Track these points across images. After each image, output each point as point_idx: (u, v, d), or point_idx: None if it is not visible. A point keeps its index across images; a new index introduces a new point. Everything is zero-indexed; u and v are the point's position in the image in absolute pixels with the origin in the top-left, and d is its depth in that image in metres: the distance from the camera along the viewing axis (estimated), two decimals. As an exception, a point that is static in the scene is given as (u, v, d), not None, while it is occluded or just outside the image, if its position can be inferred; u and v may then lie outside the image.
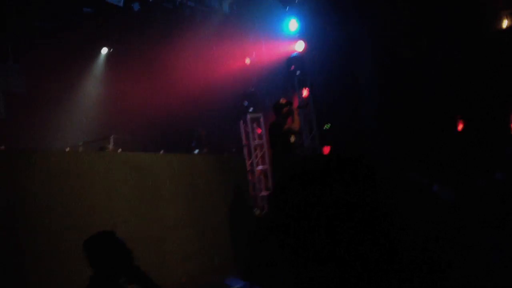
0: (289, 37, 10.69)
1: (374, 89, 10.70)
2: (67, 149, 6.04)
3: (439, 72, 9.76)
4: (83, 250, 3.05)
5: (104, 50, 10.19)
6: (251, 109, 9.39)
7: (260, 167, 8.71)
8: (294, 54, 10.17)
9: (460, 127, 11.90)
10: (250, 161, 8.97)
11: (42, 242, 4.36)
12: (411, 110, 9.68)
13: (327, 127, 11.00)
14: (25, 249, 4.21)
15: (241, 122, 9.22)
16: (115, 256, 3.08)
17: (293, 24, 10.56)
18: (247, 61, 11.17)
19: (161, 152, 6.54)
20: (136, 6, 8.95)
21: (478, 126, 10.62)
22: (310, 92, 10.12)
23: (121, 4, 8.68)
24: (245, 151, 9.07)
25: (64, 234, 4.51)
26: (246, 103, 9.56)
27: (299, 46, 10.48)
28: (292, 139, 6.71)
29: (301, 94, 10.00)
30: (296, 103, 8.32)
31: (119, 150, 6.29)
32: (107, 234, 3.19)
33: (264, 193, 8.90)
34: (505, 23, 11.23)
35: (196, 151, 9.43)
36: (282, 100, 6.63)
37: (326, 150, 10.79)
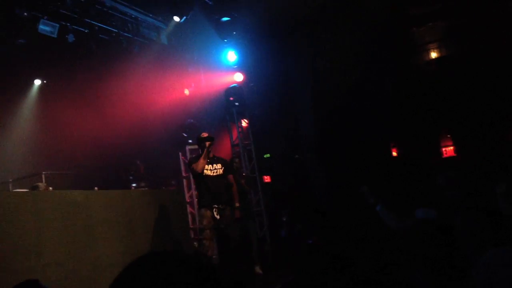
0: (228, 68, 10.80)
1: (312, 119, 11.00)
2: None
3: (374, 102, 10.19)
4: None
5: (37, 83, 9.85)
6: (190, 141, 9.34)
7: (200, 199, 8.66)
8: (233, 85, 10.22)
9: (394, 153, 12.47)
10: (189, 193, 8.91)
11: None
12: (348, 139, 10.00)
13: (267, 157, 11.18)
14: None
15: (180, 154, 9.15)
16: None
17: (231, 56, 10.66)
18: (186, 92, 11.15)
19: (95, 189, 6.37)
20: (70, 38, 8.74)
21: (411, 151, 11.15)
22: (250, 123, 10.17)
23: (54, 35, 8.48)
24: (185, 183, 9.00)
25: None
26: (185, 134, 9.51)
27: (238, 77, 10.60)
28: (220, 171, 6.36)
29: (240, 125, 10.07)
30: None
31: (50, 188, 6.06)
32: (29, 283, 3.05)
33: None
34: (432, 55, 12.10)
35: (134, 185, 9.25)
36: (203, 134, 6.41)
37: (267, 178, 10.94)
